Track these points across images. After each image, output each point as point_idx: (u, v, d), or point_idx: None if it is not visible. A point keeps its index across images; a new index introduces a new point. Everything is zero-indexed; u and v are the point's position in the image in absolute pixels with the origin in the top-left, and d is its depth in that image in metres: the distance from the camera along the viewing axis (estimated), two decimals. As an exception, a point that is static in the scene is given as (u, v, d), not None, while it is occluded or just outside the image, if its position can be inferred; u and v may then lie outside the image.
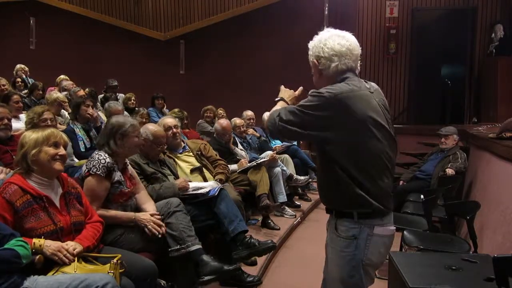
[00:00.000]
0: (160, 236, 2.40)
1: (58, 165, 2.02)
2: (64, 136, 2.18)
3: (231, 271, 2.58)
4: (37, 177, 2.00)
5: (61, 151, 2.05)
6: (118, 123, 2.55)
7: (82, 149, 3.69)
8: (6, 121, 3.08)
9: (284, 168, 4.78)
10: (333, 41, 1.67)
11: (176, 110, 5.35)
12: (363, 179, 1.59)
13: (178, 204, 2.61)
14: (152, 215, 2.44)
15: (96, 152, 2.49)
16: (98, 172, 2.36)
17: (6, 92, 4.37)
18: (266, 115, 6.02)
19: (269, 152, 4.84)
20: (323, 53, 1.68)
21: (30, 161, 1.98)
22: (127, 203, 2.53)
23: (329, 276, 1.75)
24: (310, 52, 1.73)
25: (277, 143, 5.71)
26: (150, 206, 2.56)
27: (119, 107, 4.23)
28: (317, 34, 1.73)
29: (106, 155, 2.44)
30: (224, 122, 4.68)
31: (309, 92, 1.64)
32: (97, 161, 2.40)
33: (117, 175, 2.46)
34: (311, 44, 1.74)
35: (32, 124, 3.24)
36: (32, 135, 2.03)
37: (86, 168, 2.40)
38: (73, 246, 1.93)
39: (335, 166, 1.60)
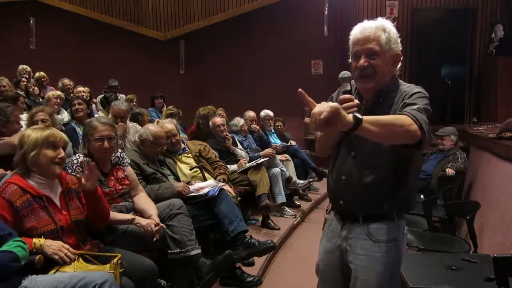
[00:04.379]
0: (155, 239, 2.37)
1: (57, 169, 2.01)
2: (65, 136, 2.17)
3: (224, 259, 2.57)
4: (37, 177, 2.00)
5: (60, 153, 2.03)
6: (88, 125, 2.54)
7: None
8: (21, 124, 3.16)
9: (283, 169, 4.77)
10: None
11: (170, 107, 5.37)
12: (416, 178, 1.62)
13: (180, 206, 2.61)
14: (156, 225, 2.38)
15: (74, 154, 2.51)
16: (74, 173, 2.34)
17: (13, 94, 4.36)
18: (265, 112, 6.01)
19: (267, 150, 4.83)
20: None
21: (29, 162, 1.97)
22: (120, 204, 2.51)
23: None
24: (389, 46, 1.52)
25: (276, 142, 5.71)
26: (152, 209, 2.53)
27: (122, 107, 4.22)
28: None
29: (81, 155, 2.44)
30: (215, 118, 4.69)
31: (413, 93, 1.49)
32: (71, 162, 2.41)
33: None
34: (392, 34, 1.53)
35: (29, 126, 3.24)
36: (32, 135, 2.01)
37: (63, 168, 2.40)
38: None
39: (410, 166, 1.55)
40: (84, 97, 4.96)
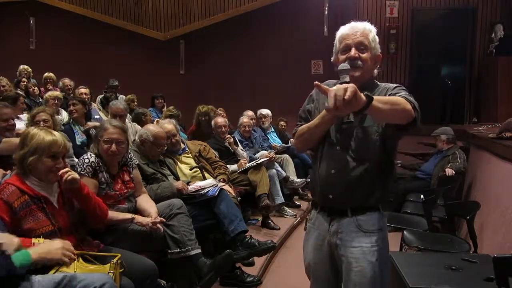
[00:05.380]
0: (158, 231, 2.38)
1: (53, 177, 1.99)
2: (67, 142, 2.15)
3: (224, 259, 2.58)
4: (35, 179, 1.98)
5: (59, 162, 2.01)
6: (100, 126, 2.55)
7: (78, 143, 3.85)
8: (11, 121, 3.07)
9: (279, 169, 4.75)
10: None
11: (170, 108, 5.36)
12: (395, 171, 1.70)
13: (180, 206, 2.61)
14: (154, 222, 2.39)
15: (86, 153, 2.51)
16: (83, 172, 2.35)
17: (13, 95, 4.36)
18: (259, 111, 6.01)
19: (264, 152, 4.82)
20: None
21: (27, 165, 1.96)
22: (123, 206, 2.50)
23: (357, 280, 1.61)
24: (374, 45, 1.63)
25: (275, 141, 5.70)
26: (151, 208, 2.53)
27: (120, 106, 4.22)
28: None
29: (92, 155, 2.44)
30: (217, 118, 4.69)
31: (396, 86, 1.62)
32: (82, 161, 2.41)
33: (104, 176, 2.44)
34: (376, 36, 1.65)
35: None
36: (35, 139, 1.97)
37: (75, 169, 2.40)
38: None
39: (392, 157, 1.65)
40: (85, 99, 4.97)
